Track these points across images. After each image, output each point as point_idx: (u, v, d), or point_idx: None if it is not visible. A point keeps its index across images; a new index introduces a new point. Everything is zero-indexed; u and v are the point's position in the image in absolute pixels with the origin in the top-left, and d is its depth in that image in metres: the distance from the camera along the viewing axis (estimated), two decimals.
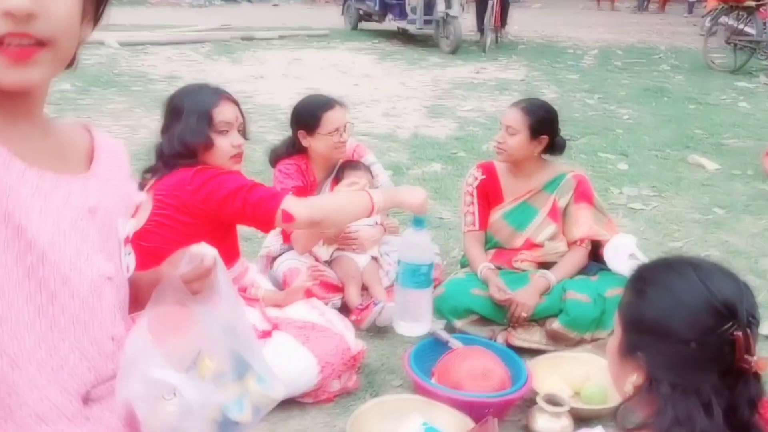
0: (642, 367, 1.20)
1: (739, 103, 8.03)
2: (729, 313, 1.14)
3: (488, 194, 3.19)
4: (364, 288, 3.27)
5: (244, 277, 2.74)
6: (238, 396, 1.17)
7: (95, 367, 1.07)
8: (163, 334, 1.16)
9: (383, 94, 8.19)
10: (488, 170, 3.21)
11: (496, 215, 3.18)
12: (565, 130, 3.18)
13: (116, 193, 1.16)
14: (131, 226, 1.17)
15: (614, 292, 2.83)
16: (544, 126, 3.06)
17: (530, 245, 3.14)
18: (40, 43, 0.93)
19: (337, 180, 3.24)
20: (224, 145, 2.38)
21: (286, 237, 3.21)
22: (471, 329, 2.97)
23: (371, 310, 3.03)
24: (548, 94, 8.22)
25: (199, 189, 2.28)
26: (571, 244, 3.10)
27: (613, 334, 1.29)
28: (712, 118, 7.18)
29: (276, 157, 3.30)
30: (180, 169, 2.33)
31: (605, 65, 10.66)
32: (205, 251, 1.23)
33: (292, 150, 3.25)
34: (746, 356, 1.12)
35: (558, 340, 2.92)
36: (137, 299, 1.21)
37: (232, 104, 2.44)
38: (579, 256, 3.08)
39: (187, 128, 2.35)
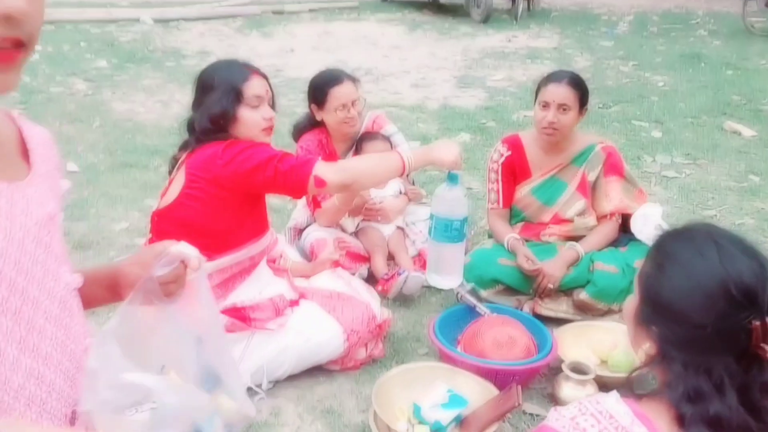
0: (655, 340, 1.19)
1: None
2: (747, 301, 1.10)
3: (515, 170, 3.14)
4: (391, 257, 3.29)
5: (273, 249, 2.77)
6: (210, 412, 1.11)
7: (74, 384, 1.01)
8: (131, 342, 1.09)
9: (413, 64, 8.15)
10: (514, 145, 3.15)
11: (524, 190, 3.14)
12: (598, 99, 3.12)
13: (56, 189, 1.06)
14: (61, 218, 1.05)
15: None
16: (587, 97, 3.01)
17: (559, 220, 3.11)
18: (20, 44, 0.85)
19: (357, 153, 3.25)
20: (255, 118, 2.40)
21: (317, 204, 3.23)
22: (497, 299, 2.97)
23: (397, 279, 3.05)
24: (581, 63, 8.10)
25: (230, 162, 2.31)
26: (601, 218, 3.07)
27: (633, 295, 1.27)
28: (750, 84, 7.00)
29: (297, 132, 3.32)
30: (211, 144, 2.37)
31: (640, 31, 10.43)
32: (187, 252, 1.14)
33: (313, 123, 3.26)
34: (763, 344, 1.10)
35: (585, 310, 2.91)
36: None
37: (262, 78, 2.47)
38: (609, 229, 3.04)
39: (216, 104, 2.38)
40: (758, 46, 9.08)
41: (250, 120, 2.39)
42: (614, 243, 3.05)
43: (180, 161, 2.45)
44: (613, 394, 1.16)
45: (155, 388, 1.05)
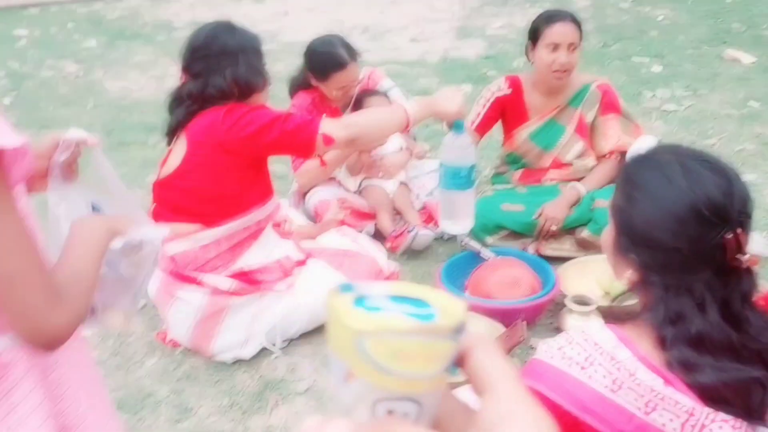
0: (635, 267, 1.21)
1: None
2: (718, 218, 1.12)
3: (509, 110, 3.13)
4: (397, 213, 3.32)
5: (277, 213, 2.82)
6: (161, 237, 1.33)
7: None
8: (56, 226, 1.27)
9: (411, 19, 8.06)
10: (515, 85, 3.13)
11: (522, 136, 3.14)
12: (598, 37, 3.06)
13: None
14: None
15: None
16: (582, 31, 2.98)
17: (558, 164, 3.13)
18: None
19: (355, 111, 3.26)
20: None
21: (323, 163, 3.25)
22: (502, 244, 3.01)
23: (406, 236, 3.09)
24: (580, 2, 7.98)
25: (234, 125, 2.33)
26: (600, 157, 3.08)
27: (609, 226, 1.29)
28: (750, 10, 6.89)
29: (293, 88, 3.32)
30: (209, 110, 2.37)
31: None
32: (81, 134, 1.31)
33: (308, 84, 3.25)
34: (737, 256, 1.12)
35: (588, 248, 2.94)
36: None
37: None
38: (608, 167, 3.06)
39: (250, 68, 2.40)
40: None
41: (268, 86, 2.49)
42: (614, 180, 3.07)
43: (180, 131, 2.46)
44: (598, 322, 1.20)
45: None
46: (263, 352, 2.57)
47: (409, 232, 3.09)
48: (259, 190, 2.55)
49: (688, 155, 1.20)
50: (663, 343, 1.12)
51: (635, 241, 1.21)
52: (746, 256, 1.12)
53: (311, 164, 3.10)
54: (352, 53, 3.13)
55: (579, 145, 3.08)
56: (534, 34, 2.97)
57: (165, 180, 2.47)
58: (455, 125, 2.40)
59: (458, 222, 2.58)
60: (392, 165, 3.33)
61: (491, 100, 3.13)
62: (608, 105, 3.05)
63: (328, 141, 2.31)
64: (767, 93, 4.67)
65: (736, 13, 6.81)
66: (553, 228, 2.92)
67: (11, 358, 1.09)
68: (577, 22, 2.93)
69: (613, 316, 1.27)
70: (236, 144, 2.34)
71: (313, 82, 3.19)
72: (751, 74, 5.09)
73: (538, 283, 2.60)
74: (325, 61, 3.11)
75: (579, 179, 3.07)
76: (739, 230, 1.12)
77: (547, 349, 1.20)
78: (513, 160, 3.21)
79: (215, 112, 2.36)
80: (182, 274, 2.50)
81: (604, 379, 1.12)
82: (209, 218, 2.45)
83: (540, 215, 2.95)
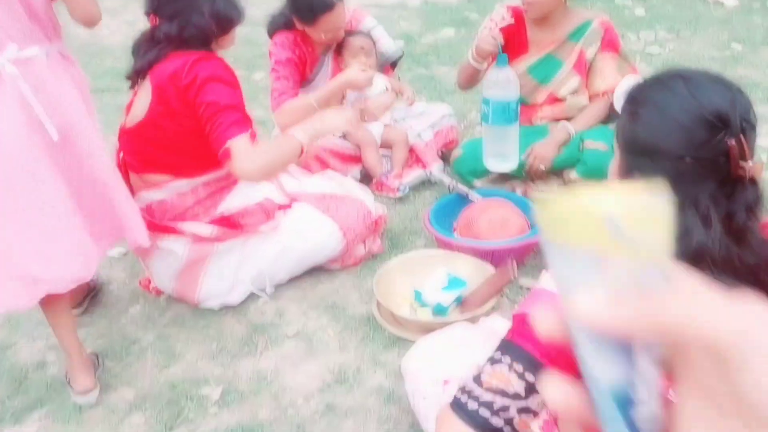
0: None
1: None
2: (721, 122, 1.10)
3: (510, 41, 3.00)
4: (385, 150, 3.27)
5: None
6: None
7: None
8: None
9: None
10: (517, 16, 3.01)
11: (520, 68, 3.01)
12: None
13: None
14: None
15: None
16: None
17: (552, 100, 3.06)
18: None
19: (338, 52, 3.19)
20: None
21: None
22: (491, 187, 2.99)
23: (394, 193, 3.09)
24: None
25: (191, 84, 2.18)
26: (593, 96, 3.03)
27: (614, 157, 1.29)
28: None
29: (272, 28, 3.19)
30: (179, 54, 2.22)
31: None
32: None
33: (290, 25, 3.10)
34: (741, 163, 1.10)
35: None
36: None
37: None
38: (600, 108, 3.01)
39: (229, 4, 2.31)
40: None
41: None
42: (605, 121, 3.05)
43: (145, 72, 2.30)
44: None
45: None
46: (250, 297, 2.54)
47: (398, 190, 3.08)
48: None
49: (689, 70, 1.20)
50: None
51: (639, 154, 1.19)
52: (750, 164, 1.11)
53: (293, 103, 3.01)
54: None
55: (575, 81, 3.02)
56: None
57: (133, 129, 2.34)
58: (498, 59, 2.36)
59: (506, 159, 2.55)
60: (377, 107, 3.25)
61: (495, 30, 3.01)
62: (609, 42, 2.98)
63: (226, 156, 2.16)
64: (750, 35, 4.67)
65: None
66: (542, 167, 2.89)
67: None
68: None
69: None
70: (182, 102, 2.21)
71: (299, 26, 3.07)
72: (734, 16, 5.07)
73: (526, 224, 2.59)
74: (311, 3, 2.97)
75: (570, 118, 3.02)
76: (742, 136, 1.11)
77: (551, 279, 1.19)
78: None
79: (183, 58, 2.21)
80: (160, 225, 2.40)
81: None
82: (181, 170, 2.36)
83: (529, 154, 2.92)
